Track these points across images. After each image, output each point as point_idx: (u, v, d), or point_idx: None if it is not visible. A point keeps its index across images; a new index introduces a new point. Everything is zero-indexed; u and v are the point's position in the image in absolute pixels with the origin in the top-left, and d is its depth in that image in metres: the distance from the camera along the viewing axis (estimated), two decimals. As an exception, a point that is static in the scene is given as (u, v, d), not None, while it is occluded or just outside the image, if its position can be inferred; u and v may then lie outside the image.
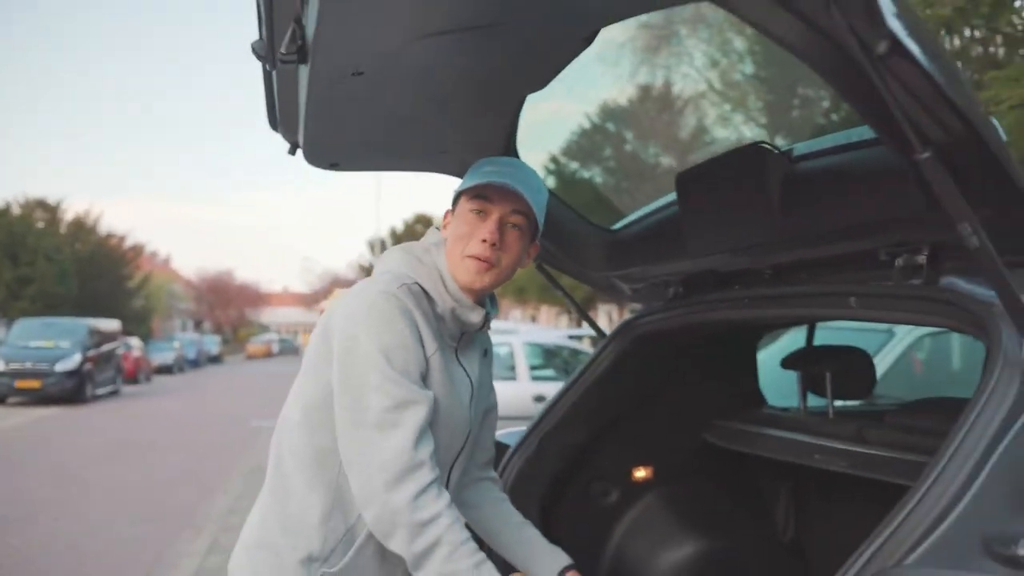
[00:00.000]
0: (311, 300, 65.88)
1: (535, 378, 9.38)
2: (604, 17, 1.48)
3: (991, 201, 1.10)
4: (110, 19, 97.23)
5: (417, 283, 1.52)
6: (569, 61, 1.69)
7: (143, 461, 10.47)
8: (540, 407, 2.46)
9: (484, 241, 1.49)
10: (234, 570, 1.56)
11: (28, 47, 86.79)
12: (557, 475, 2.37)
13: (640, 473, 2.54)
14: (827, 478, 2.15)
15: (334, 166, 2.17)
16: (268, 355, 57.83)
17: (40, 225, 33.36)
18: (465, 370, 1.60)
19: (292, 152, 2.12)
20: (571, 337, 13.88)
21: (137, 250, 41.43)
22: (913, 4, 10.96)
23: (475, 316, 1.56)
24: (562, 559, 1.71)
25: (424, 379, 1.46)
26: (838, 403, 2.34)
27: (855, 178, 1.44)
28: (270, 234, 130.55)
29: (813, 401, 2.45)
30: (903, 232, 1.36)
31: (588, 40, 1.58)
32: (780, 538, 2.61)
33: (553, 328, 14.75)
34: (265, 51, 1.55)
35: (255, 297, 71.07)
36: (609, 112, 19.09)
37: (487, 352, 1.73)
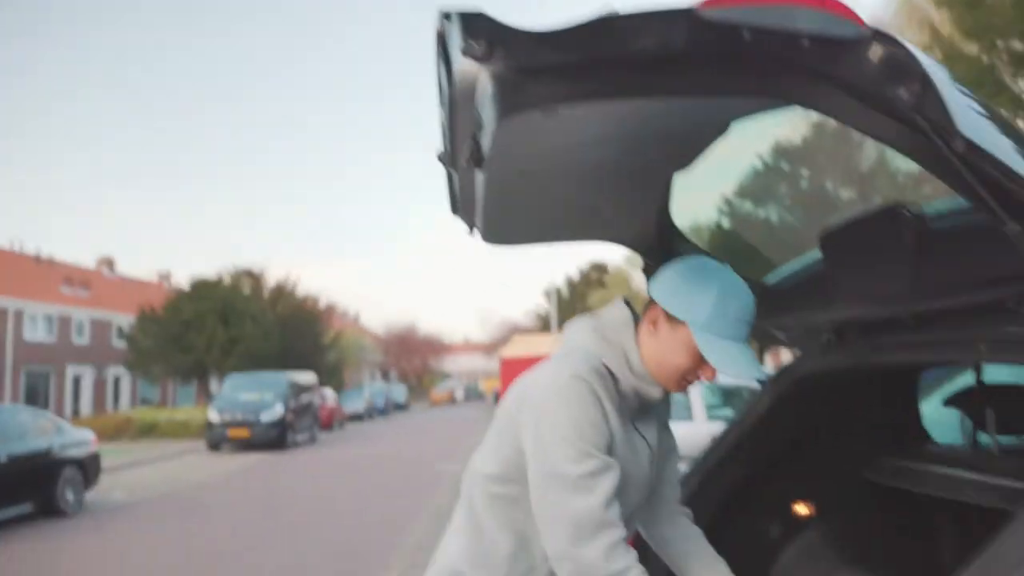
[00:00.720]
0: (490, 348, 67.56)
1: (712, 418, 9.33)
2: (732, 115, 1.70)
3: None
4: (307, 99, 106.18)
5: (604, 364, 1.66)
6: (707, 146, 1.92)
7: (338, 503, 11.29)
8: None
9: (706, 380, 1.65)
10: None
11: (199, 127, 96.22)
12: (719, 511, 2.53)
13: (802, 509, 2.64)
14: (996, 513, 2.19)
15: (507, 242, 2.48)
16: (451, 401, 59.86)
17: (246, 292, 36.73)
18: (644, 437, 1.75)
19: (470, 232, 2.45)
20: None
21: (330, 310, 44.56)
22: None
23: (655, 392, 1.70)
24: None
25: (609, 451, 1.60)
26: (1005, 440, 2.36)
27: (981, 236, 1.56)
28: (450, 289, 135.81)
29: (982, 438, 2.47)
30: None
31: (721, 130, 1.80)
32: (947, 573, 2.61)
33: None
34: (447, 159, 1.88)
35: (438, 347, 73.98)
36: (782, 151, 18.74)
37: (666, 424, 1.88)
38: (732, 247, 2.99)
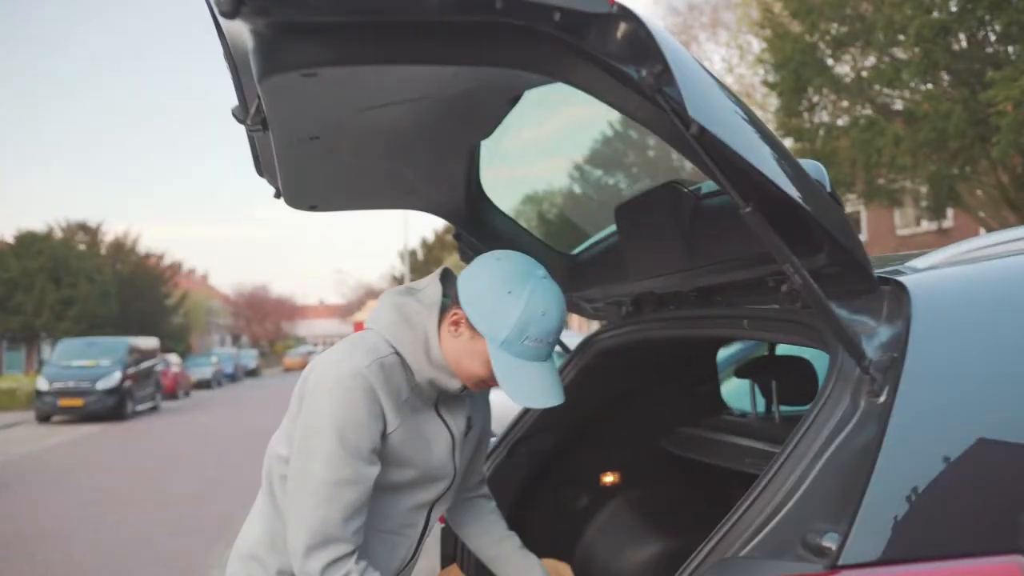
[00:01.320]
0: (346, 311, 66.68)
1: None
2: (520, 87, 1.68)
3: (816, 245, 1.31)
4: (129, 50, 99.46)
5: (396, 353, 1.60)
6: (503, 116, 1.91)
7: (179, 475, 10.85)
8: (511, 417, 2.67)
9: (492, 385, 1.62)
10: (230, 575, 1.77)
11: (36, 68, 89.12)
12: (527, 481, 2.57)
13: (608, 478, 2.74)
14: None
15: (313, 208, 2.40)
16: (305, 367, 58.51)
17: (81, 247, 34.31)
18: (445, 422, 1.70)
19: (277, 196, 2.36)
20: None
21: (175, 268, 42.40)
22: (910, 9, 11.17)
23: (454, 384, 1.64)
24: (535, 570, 1.91)
25: (382, 448, 1.57)
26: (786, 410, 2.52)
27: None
28: (303, 249, 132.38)
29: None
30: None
31: (513, 101, 1.79)
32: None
33: (584, 334, 14.85)
34: (241, 116, 1.78)
35: (291, 310, 72.14)
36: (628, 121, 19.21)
37: (483, 403, 1.87)
38: (546, 217, 3.02)
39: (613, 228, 2.41)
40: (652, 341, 2.33)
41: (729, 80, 18.40)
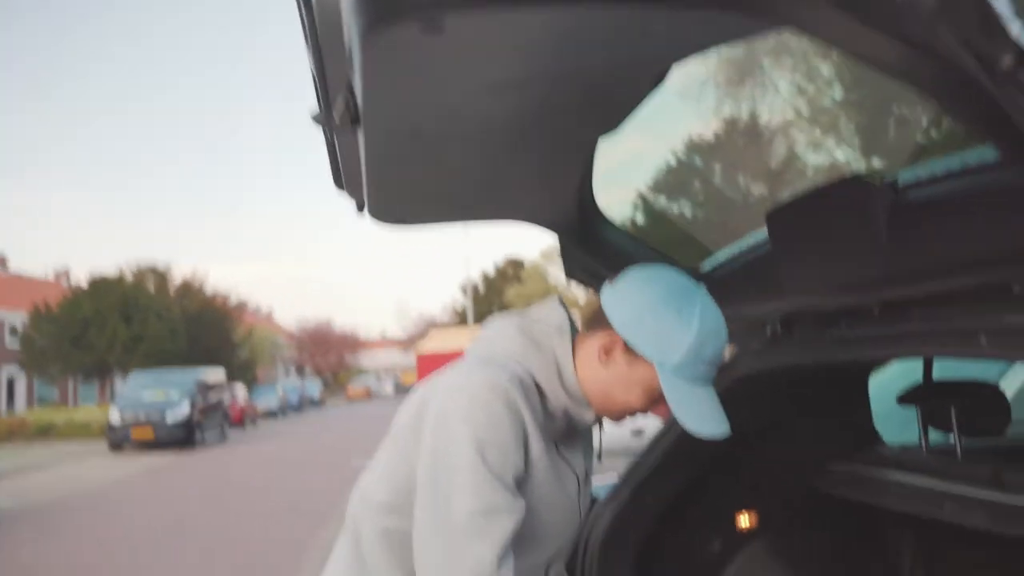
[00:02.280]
0: (407, 343, 66.90)
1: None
2: (672, 55, 1.36)
3: None
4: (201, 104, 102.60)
5: (531, 375, 1.37)
6: (640, 101, 1.58)
7: (245, 507, 10.70)
8: (637, 446, 2.32)
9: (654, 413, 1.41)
10: None
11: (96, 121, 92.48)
12: (655, 525, 2.22)
13: (744, 520, 2.36)
14: (958, 528, 1.94)
15: (401, 221, 2.12)
16: (368, 396, 58.85)
17: (150, 289, 35.19)
18: (569, 463, 1.46)
19: (359, 210, 2.08)
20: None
21: (241, 307, 43.13)
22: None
23: (588, 415, 1.42)
24: None
25: (522, 483, 1.31)
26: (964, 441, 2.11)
27: (975, 206, 1.27)
28: (365, 285, 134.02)
29: (935, 436, 2.23)
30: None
31: (658, 80, 1.46)
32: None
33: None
34: (323, 117, 1.51)
35: (354, 343, 72.74)
36: (695, 147, 18.91)
37: (589, 444, 1.59)
38: (655, 234, 2.68)
39: (754, 239, 2.07)
40: (803, 364, 1.96)
41: (801, 104, 17.87)
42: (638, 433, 8.56)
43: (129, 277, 34.89)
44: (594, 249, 2.22)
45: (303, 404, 41.53)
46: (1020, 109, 0.79)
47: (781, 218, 1.75)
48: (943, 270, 1.33)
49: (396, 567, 1.37)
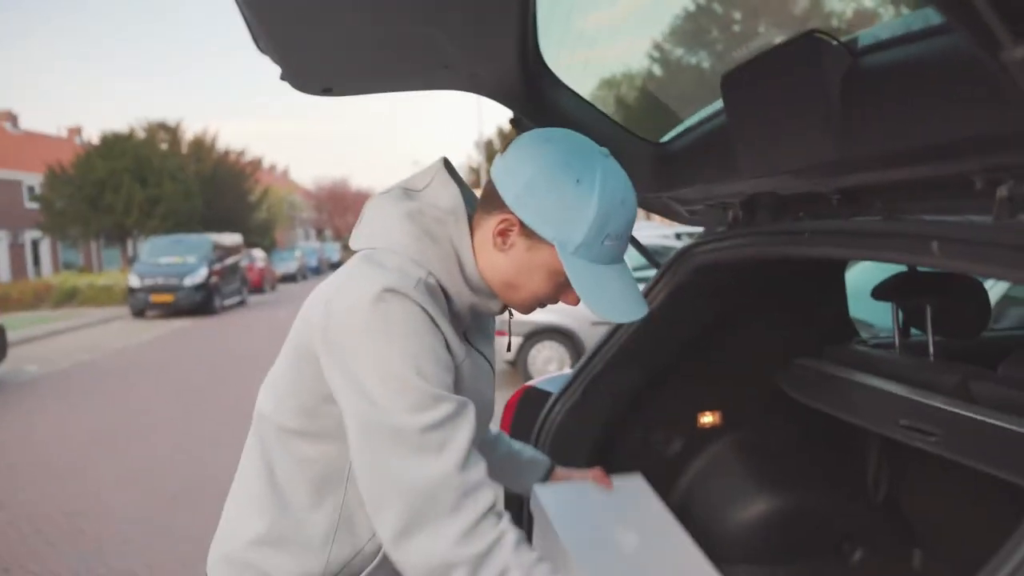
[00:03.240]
0: (425, 201, 66.55)
1: (638, 280, 8.99)
2: None
3: None
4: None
5: (432, 275, 1.20)
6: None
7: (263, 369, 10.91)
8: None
9: (566, 304, 1.25)
10: None
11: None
12: (609, 424, 2.10)
13: (707, 419, 2.23)
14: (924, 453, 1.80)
15: (327, 91, 1.89)
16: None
17: (163, 147, 34.77)
18: (482, 354, 1.33)
19: (283, 78, 1.86)
20: (678, 236, 13.28)
21: (255, 164, 42.72)
22: None
23: (495, 305, 1.28)
24: (542, 464, 1.65)
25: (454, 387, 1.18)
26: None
27: (937, 77, 1.04)
28: (378, 142, 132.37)
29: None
30: (1007, 153, 0.97)
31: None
32: (871, 496, 2.27)
33: (665, 226, 14.14)
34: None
35: (372, 202, 72.49)
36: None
37: (492, 326, 1.45)
38: (624, 102, 2.42)
39: (714, 108, 1.83)
40: (768, 257, 1.77)
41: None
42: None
43: (140, 134, 34.39)
44: (547, 119, 1.99)
45: (322, 267, 41.96)
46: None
47: (735, 83, 1.51)
48: (901, 156, 1.11)
49: (321, 500, 1.24)
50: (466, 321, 1.28)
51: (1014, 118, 0.84)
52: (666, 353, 2.11)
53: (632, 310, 1.19)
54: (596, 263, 1.17)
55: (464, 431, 1.12)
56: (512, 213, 1.18)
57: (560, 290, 1.23)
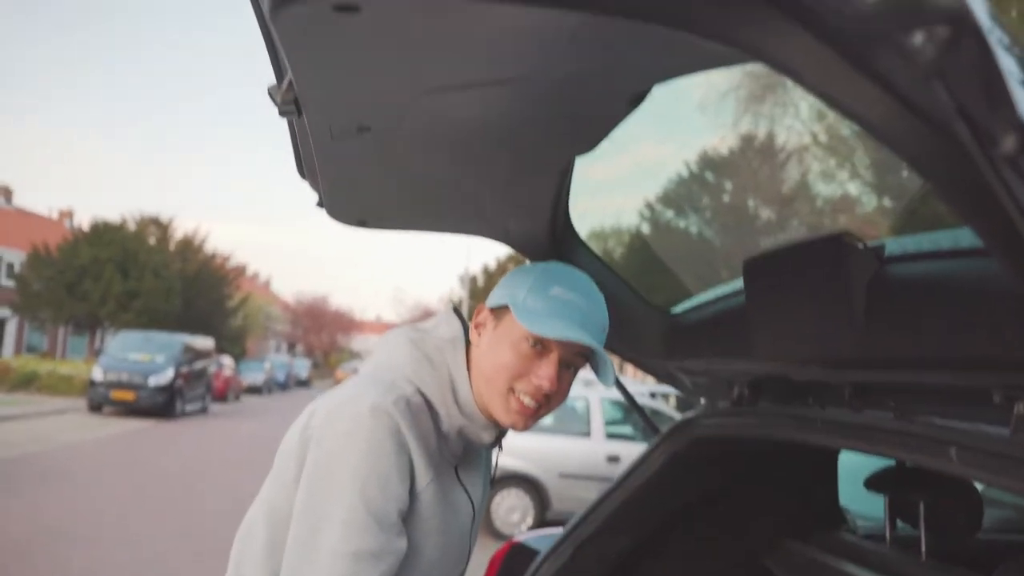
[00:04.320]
0: (401, 330, 66.49)
1: (610, 436, 8.94)
2: (651, 76, 1.21)
3: None
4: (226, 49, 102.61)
5: (421, 394, 1.26)
6: (617, 122, 1.43)
7: (221, 484, 10.55)
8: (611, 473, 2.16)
9: (541, 388, 1.25)
10: None
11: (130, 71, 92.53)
12: (593, 589, 2.06)
13: (691, 593, 2.19)
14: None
15: (361, 223, 1.96)
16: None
17: (152, 241, 34.95)
18: (467, 491, 1.35)
19: (319, 205, 1.94)
20: (653, 395, 13.34)
21: (239, 270, 42.91)
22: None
23: (487, 436, 1.32)
24: None
25: (409, 516, 1.20)
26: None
27: (963, 294, 1.11)
28: (365, 264, 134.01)
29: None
30: (1025, 373, 1.03)
31: (635, 101, 1.31)
32: None
33: (640, 383, 14.25)
34: (273, 93, 1.36)
35: (348, 324, 72.53)
36: (709, 162, 18.73)
37: (489, 467, 1.47)
38: (638, 261, 2.51)
39: (730, 288, 1.91)
40: (771, 439, 1.80)
41: (819, 129, 17.59)
42: (614, 459, 8.37)
43: (131, 226, 34.61)
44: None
45: (289, 382, 41.30)
46: (1015, 201, 0.63)
47: (758, 268, 1.59)
48: (920, 361, 1.17)
49: None
50: (455, 447, 1.30)
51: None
52: (657, 522, 2.10)
53: (573, 331, 1.22)
54: (545, 315, 1.24)
55: (379, 571, 1.13)
56: (483, 307, 1.34)
57: (529, 363, 1.25)
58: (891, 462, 2.09)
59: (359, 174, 1.65)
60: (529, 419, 1.27)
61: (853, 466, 2.34)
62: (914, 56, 0.60)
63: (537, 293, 1.26)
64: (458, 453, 1.31)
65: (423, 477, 1.20)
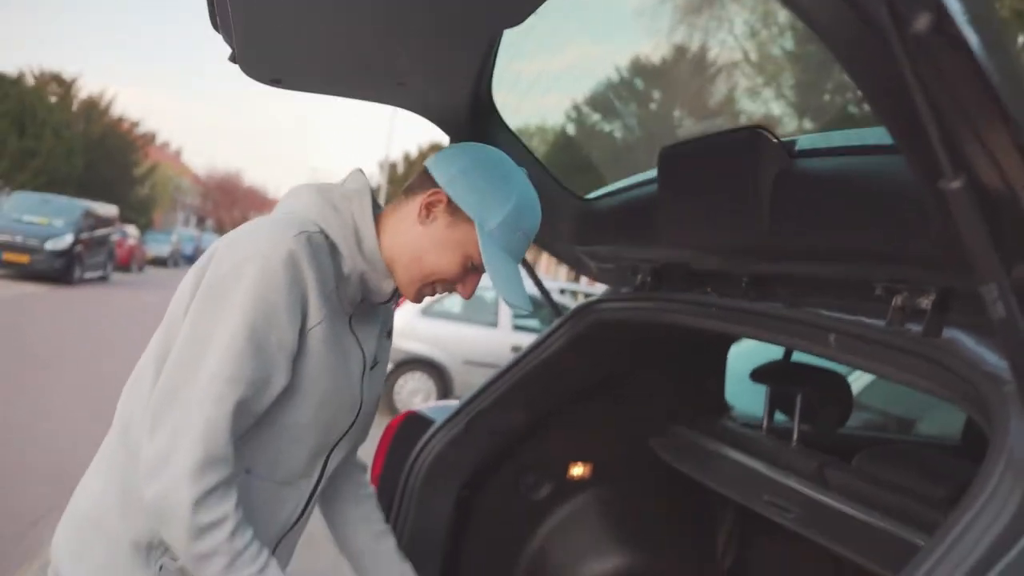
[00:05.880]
0: (317, 213, 65.33)
1: (517, 327, 9.12)
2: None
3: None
4: None
5: (324, 234, 1.27)
6: (547, -7, 1.39)
7: (116, 353, 10.35)
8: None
9: (458, 294, 1.34)
10: (59, 547, 1.30)
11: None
12: (484, 461, 2.14)
13: (577, 470, 2.30)
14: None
15: (275, 82, 1.88)
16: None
17: (53, 100, 32.80)
18: (358, 341, 1.36)
19: (232, 60, 1.84)
20: (563, 291, 13.60)
21: (148, 138, 40.96)
22: None
23: (386, 285, 1.34)
24: None
25: (298, 353, 1.22)
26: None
27: (862, 190, 1.16)
28: (281, 139, 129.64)
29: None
30: (908, 267, 1.09)
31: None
32: (718, 564, 2.40)
33: (550, 279, 14.47)
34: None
35: (261, 201, 70.67)
36: (640, 68, 18.63)
37: (389, 332, 1.48)
38: (560, 153, 2.51)
39: (644, 176, 1.93)
40: (666, 323, 1.87)
41: (750, 47, 17.65)
42: (518, 350, 8.56)
43: (30, 81, 32.35)
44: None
45: (197, 256, 40.26)
46: (923, 86, 0.65)
47: (673, 158, 1.61)
48: (815, 253, 1.23)
49: None
50: (353, 292, 1.31)
51: (929, 239, 0.95)
52: (552, 400, 2.18)
53: (522, 299, 1.29)
54: (505, 251, 1.28)
55: (246, 396, 1.16)
56: (441, 190, 1.29)
57: (463, 275, 1.32)
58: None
59: (275, 26, 1.57)
60: (421, 299, 1.36)
61: (743, 371, 2.47)
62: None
63: (507, 228, 1.28)
64: (355, 301, 1.33)
65: (315, 316, 1.22)
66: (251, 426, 1.22)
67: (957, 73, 0.64)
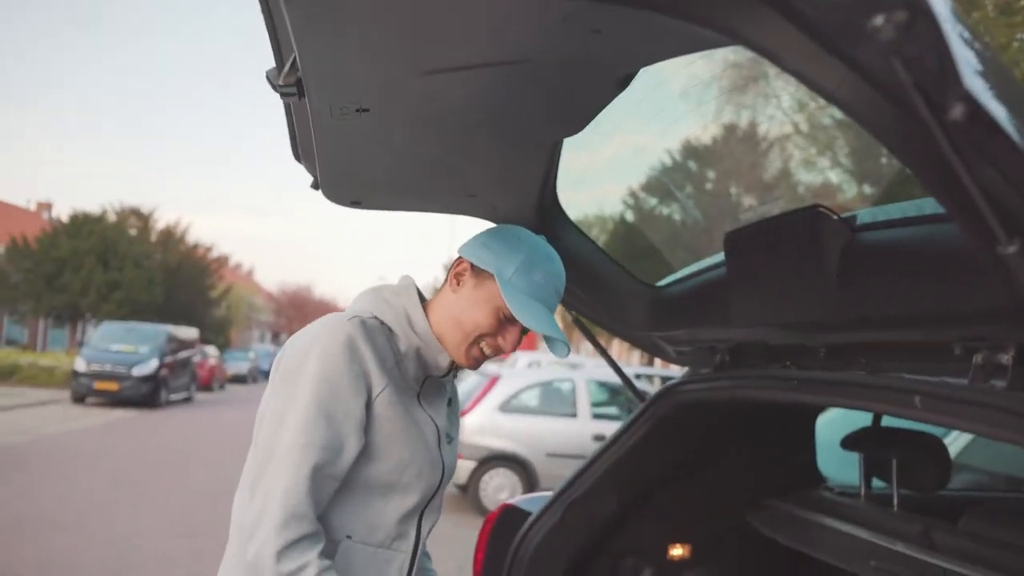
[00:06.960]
0: (385, 318, 66.41)
1: (596, 416, 9.07)
2: (638, 59, 1.29)
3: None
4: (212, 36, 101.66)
5: (377, 318, 1.48)
6: (605, 104, 1.51)
7: (205, 470, 10.59)
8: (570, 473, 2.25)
9: (504, 350, 1.48)
10: None
11: (123, 62, 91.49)
12: (583, 548, 2.16)
13: (677, 551, 2.30)
14: None
15: (355, 204, 2.03)
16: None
17: (132, 232, 34.64)
18: (431, 417, 1.51)
19: (314, 187, 2.00)
20: (638, 376, 13.47)
21: (222, 261, 42.63)
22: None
23: (442, 359, 1.50)
24: None
25: (370, 420, 1.37)
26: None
27: (927, 257, 1.21)
28: (349, 253, 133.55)
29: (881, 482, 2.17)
30: (982, 325, 1.12)
31: (622, 84, 1.39)
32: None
33: (624, 364, 14.35)
34: (273, 76, 1.43)
35: (331, 312, 72.27)
36: (691, 151, 18.84)
37: (451, 401, 1.63)
38: (624, 241, 2.60)
39: (712, 261, 2.00)
40: (749, 399, 1.90)
41: (800, 119, 17.67)
42: (600, 439, 8.49)
43: (112, 217, 34.31)
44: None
45: (274, 371, 41.11)
46: (966, 165, 0.72)
47: (738, 242, 1.69)
48: (887, 320, 1.27)
49: None
50: (413, 369, 1.47)
51: (998, 298, 0.99)
52: (643, 484, 2.20)
53: (551, 330, 1.41)
54: (528, 296, 1.42)
55: (322, 460, 1.30)
56: (464, 260, 1.49)
57: (499, 327, 1.46)
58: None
59: (355, 155, 1.72)
60: (480, 364, 1.51)
61: (831, 439, 2.46)
62: (875, 37, 0.68)
63: (523, 274, 1.44)
64: (419, 378, 1.49)
65: (378, 385, 1.37)
66: (340, 490, 1.36)
67: (998, 150, 0.71)
